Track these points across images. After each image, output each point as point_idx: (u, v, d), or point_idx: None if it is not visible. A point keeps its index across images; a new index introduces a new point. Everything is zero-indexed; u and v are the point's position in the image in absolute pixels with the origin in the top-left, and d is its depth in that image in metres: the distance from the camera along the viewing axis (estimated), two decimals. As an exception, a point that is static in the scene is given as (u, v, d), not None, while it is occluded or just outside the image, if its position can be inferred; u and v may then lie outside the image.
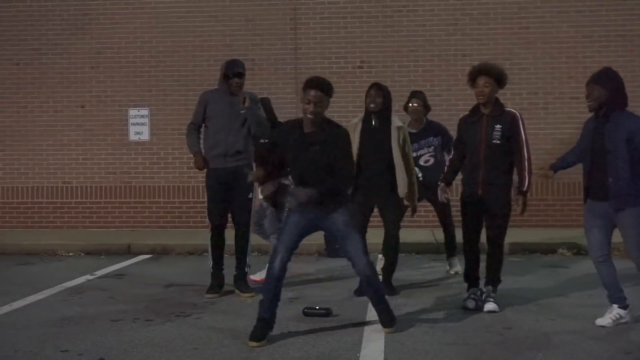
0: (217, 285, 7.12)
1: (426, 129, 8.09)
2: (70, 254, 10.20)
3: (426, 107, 8.19)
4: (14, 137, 12.41)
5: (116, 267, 9.01)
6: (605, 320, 5.65)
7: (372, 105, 6.86)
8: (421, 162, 7.93)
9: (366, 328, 5.69)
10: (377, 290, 5.57)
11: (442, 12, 11.81)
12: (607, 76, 5.57)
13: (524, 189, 6.14)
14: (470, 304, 6.22)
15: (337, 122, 5.54)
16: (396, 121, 6.91)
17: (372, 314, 6.16)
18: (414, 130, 7.90)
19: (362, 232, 6.56)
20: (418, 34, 11.85)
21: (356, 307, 6.38)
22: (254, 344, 5.19)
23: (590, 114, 5.69)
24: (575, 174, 6.51)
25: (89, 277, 8.25)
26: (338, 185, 5.41)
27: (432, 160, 7.99)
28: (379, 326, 5.64)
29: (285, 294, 6.63)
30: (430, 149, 8.02)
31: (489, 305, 6.17)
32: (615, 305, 5.68)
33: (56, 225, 12.26)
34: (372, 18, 11.94)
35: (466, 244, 6.37)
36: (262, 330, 5.31)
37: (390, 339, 5.37)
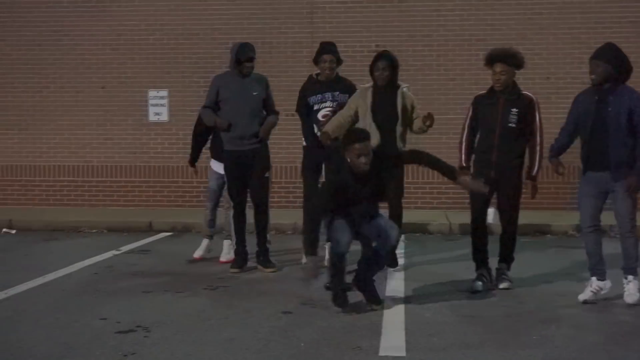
0: (241, 260, 7.42)
1: (335, 82, 7.36)
2: (94, 230, 10.52)
3: (338, 61, 7.38)
4: (36, 117, 12.70)
5: (140, 243, 9.32)
6: (586, 294, 5.89)
7: (379, 82, 6.89)
8: (319, 116, 7.33)
9: (386, 299, 5.98)
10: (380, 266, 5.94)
11: (457, -3, 12.02)
12: (610, 51, 5.76)
13: (534, 174, 6.36)
14: (478, 286, 6.35)
15: None
16: (402, 88, 7.00)
17: (390, 287, 6.48)
18: (323, 79, 7.36)
19: None
20: (432, 18, 12.05)
21: (375, 284, 6.64)
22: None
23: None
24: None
25: (115, 252, 8.56)
26: None
27: (330, 116, 7.25)
28: (399, 299, 5.95)
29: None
30: (334, 104, 7.29)
31: (504, 284, 6.40)
32: (594, 278, 5.91)
33: (77, 203, 12.57)
34: (387, 2, 12.14)
35: (475, 223, 6.53)
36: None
37: (410, 310, 5.66)
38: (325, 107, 7.31)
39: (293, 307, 5.82)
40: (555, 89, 11.77)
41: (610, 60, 5.70)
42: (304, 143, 7.48)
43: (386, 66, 6.86)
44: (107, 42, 12.57)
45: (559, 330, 5.13)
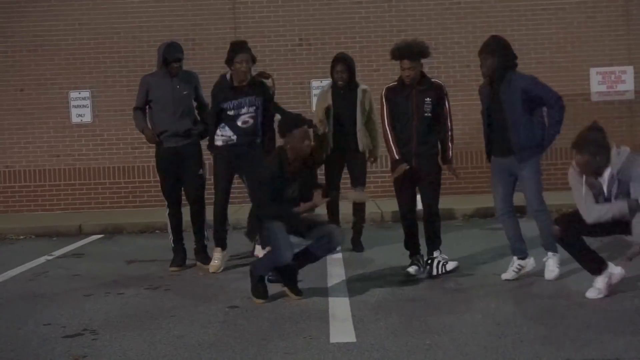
0: (180, 258, 7.39)
1: (250, 86, 7.07)
2: (21, 237, 10.28)
3: (253, 59, 7.11)
4: (-48, 123, 12.29)
5: (72, 247, 9.16)
6: (509, 274, 6.18)
7: (340, 83, 7.58)
8: (239, 123, 7.08)
9: (330, 289, 6.09)
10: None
11: (377, -11, 12.21)
12: (494, 44, 6.08)
13: (449, 158, 6.53)
14: (413, 269, 6.46)
15: None
16: (362, 86, 7.75)
17: (331, 275, 6.59)
18: (236, 84, 7.07)
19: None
20: (354, 11, 12.21)
21: (316, 272, 6.74)
22: (260, 301, 5.75)
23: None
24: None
25: (47, 257, 8.39)
26: None
27: (251, 122, 7.07)
28: (341, 287, 6.08)
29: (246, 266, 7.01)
30: (252, 109, 7.05)
31: (451, 264, 6.54)
32: (515, 257, 6.21)
33: (0, 210, 12.23)
34: (309, -4, 12.25)
35: (404, 214, 6.64)
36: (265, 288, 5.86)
37: (354, 297, 5.78)
38: (245, 114, 7.04)
39: (238, 301, 5.85)
40: (475, 77, 12.03)
41: (495, 52, 6.01)
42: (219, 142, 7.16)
43: (344, 69, 7.58)
44: (24, 43, 12.25)
45: (498, 308, 5.34)
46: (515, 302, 5.52)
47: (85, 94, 12.28)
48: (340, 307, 5.50)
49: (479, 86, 6.41)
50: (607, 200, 5.35)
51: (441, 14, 12.16)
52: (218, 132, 7.13)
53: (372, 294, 5.91)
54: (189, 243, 7.43)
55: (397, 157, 6.46)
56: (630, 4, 12.10)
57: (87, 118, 12.31)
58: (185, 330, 5.07)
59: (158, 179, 7.60)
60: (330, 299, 5.75)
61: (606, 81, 12.09)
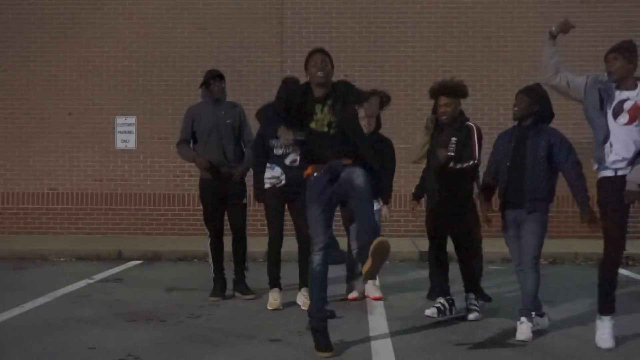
0: (219, 288, 7.42)
1: None
2: (62, 259, 10.39)
3: None
4: (1, 143, 12.53)
5: (112, 271, 9.24)
6: (523, 333, 5.74)
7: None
8: (287, 162, 6.96)
9: (371, 328, 6.07)
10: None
11: (424, 29, 12.30)
12: (537, 90, 5.95)
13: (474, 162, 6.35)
14: (430, 311, 6.38)
15: None
16: None
17: (373, 316, 6.55)
18: None
19: None
20: (400, 49, 12.31)
21: (355, 309, 6.73)
22: (326, 354, 5.26)
23: (500, 131, 6.20)
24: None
25: (88, 280, 8.47)
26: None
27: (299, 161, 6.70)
28: (383, 326, 6.04)
29: (286, 297, 7.02)
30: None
31: (472, 315, 6.43)
32: (533, 313, 5.91)
33: (41, 230, 12.40)
34: (356, 33, 12.38)
35: (434, 254, 6.67)
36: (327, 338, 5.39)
37: (396, 337, 5.73)
38: (293, 152, 6.83)
39: (280, 335, 5.85)
40: (519, 120, 12.07)
41: (535, 98, 5.87)
42: (266, 185, 7.00)
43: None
44: (75, 68, 12.52)
45: (545, 354, 5.27)
46: (562, 347, 5.44)
47: (131, 120, 12.47)
48: (383, 345, 5.47)
49: (499, 134, 6.19)
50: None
51: (487, 56, 12.21)
52: (266, 174, 6.99)
53: (414, 335, 5.86)
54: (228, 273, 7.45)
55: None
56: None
57: (132, 144, 12.48)
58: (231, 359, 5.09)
59: (200, 207, 7.65)
60: (372, 341, 5.70)
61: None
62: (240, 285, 7.46)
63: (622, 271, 9.17)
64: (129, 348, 5.39)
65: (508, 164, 5.93)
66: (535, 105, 5.86)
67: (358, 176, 5.26)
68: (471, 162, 6.32)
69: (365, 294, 7.32)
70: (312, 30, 12.36)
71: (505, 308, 6.76)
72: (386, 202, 7.42)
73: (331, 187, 5.37)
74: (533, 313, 5.91)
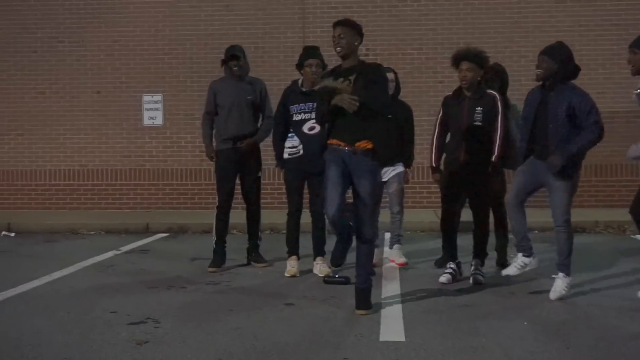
0: (220, 259, 7.51)
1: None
2: (92, 232, 10.72)
3: (323, 65, 7.02)
4: (32, 122, 12.89)
5: (139, 243, 9.53)
6: (511, 269, 6.10)
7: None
8: (305, 129, 7.00)
9: (383, 292, 6.25)
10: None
11: (445, 2, 12.33)
12: (558, 49, 5.92)
13: (493, 159, 6.48)
14: (444, 278, 6.59)
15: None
16: None
17: (387, 281, 6.73)
18: (305, 89, 7.05)
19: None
20: (421, 23, 12.37)
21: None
22: (363, 312, 5.52)
23: (534, 85, 6.14)
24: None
25: (115, 252, 8.77)
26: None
27: (318, 129, 6.81)
28: (396, 290, 6.23)
29: (304, 265, 7.22)
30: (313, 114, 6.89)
31: (478, 278, 6.60)
32: (520, 254, 6.11)
33: (73, 206, 12.76)
34: (377, 7, 12.46)
35: (444, 220, 6.77)
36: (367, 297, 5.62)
37: (408, 302, 5.91)
38: (311, 120, 6.92)
39: (294, 299, 6.06)
40: (541, 91, 12.08)
41: (557, 58, 5.84)
42: (285, 155, 7.13)
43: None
44: (102, 48, 12.79)
45: (548, 316, 5.41)
46: (564, 311, 5.57)
47: (158, 97, 12.72)
48: (392, 309, 5.65)
49: (529, 91, 6.21)
50: None
51: (508, 28, 12.21)
52: (286, 143, 7.12)
53: (425, 298, 6.04)
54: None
55: (433, 164, 6.80)
56: (702, 22, 11.92)
57: (159, 121, 12.75)
58: (241, 323, 5.30)
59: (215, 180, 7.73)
60: (383, 303, 5.89)
61: (675, 99, 11.91)
62: (255, 254, 7.65)
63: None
64: (148, 312, 5.64)
65: (531, 123, 5.98)
66: (556, 64, 5.84)
67: (364, 186, 5.48)
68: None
69: (390, 258, 7.54)
70: (334, 5, 12.46)
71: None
72: (408, 166, 7.58)
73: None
74: (520, 254, 6.08)
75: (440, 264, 7.22)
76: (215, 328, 5.17)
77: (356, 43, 5.65)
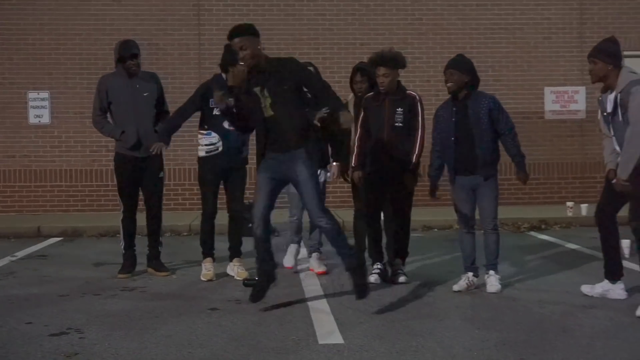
0: (130, 265, 7.18)
1: None
2: (-23, 237, 10.11)
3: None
4: None
5: (34, 248, 9.05)
6: (460, 285, 6.29)
7: (359, 94, 7.02)
8: (225, 125, 6.77)
9: (306, 292, 6.24)
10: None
11: (341, 2, 12.43)
12: (463, 62, 6.24)
13: (413, 160, 6.55)
14: (373, 277, 6.63)
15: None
16: None
17: (307, 280, 6.69)
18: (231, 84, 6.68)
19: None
20: (318, 22, 12.41)
21: (287, 277, 6.86)
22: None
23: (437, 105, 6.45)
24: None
25: (10, 258, 8.29)
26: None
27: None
28: (319, 292, 6.20)
29: (217, 268, 7.08)
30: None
31: (401, 278, 6.66)
32: (470, 274, 6.35)
33: (-49, 210, 11.99)
34: (274, 6, 12.40)
35: (369, 221, 6.80)
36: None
37: (333, 302, 5.89)
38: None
39: (217, 304, 5.90)
40: (435, 91, 12.34)
41: (464, 69, 6.15)
42: (201, 153, 6.94)
43: (364, 79, 7.03)
44: (-17, 42, 12.08)
45: (475, 314, 5.54)
46: (490, 308, 5.71)
47: (44, 94, 12.14)
48: (320, 309, 5.62)
49: (436, 110, 6.38)
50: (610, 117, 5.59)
51: (403, 29, 12.45)
52: (202, 141, 6.91)
53: (351, 297, 6.02)
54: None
55: (353, 164, 6.79)
56: (584, 27, 12.59)
57: (46, 119, 12.17)
58: (171, 331, 5.10)
59: (115, 182, 7.31)
60: (309, 302, 5.85)
61: (560, 100, 12.55)
62: (155, 261, 7.26)
63: (540, 236, 9.66)
64: (67, 322, 5.34)
65: (453, 137, 6.18)
66: (466, 76, 6.13)
67: (302, 172, 5.50)
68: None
69: (310, 268, 7.31)
70: (230, 3, 12.31)
71: (431, 272, 7.02)
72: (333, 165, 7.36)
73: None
74: (470, 273, 6.29)
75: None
76: (145, 337, 4.95)
77: (259, 47, 5.61)
